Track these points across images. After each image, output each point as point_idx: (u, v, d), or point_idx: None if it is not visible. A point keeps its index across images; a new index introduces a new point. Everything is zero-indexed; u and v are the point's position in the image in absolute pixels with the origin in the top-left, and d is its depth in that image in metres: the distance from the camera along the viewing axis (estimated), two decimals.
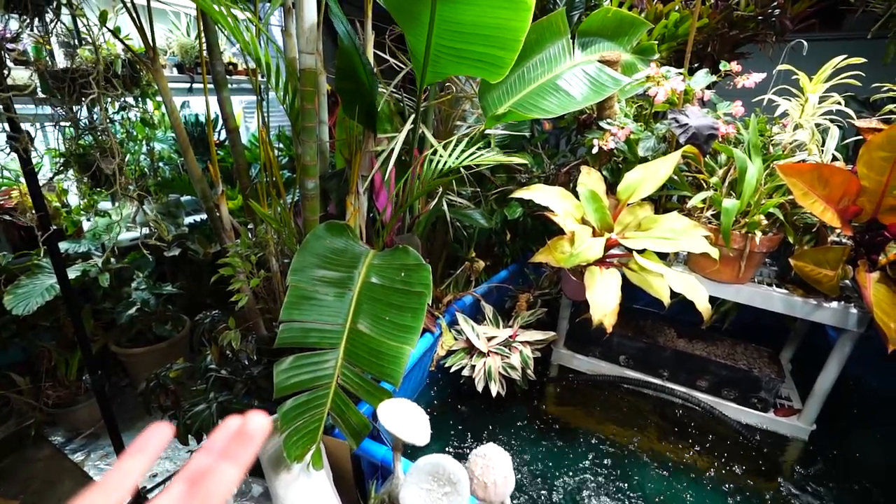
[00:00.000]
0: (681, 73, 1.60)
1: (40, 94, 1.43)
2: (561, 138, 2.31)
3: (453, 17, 1.18)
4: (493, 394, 1.64)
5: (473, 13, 1.17)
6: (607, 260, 1.54)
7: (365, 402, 1.04)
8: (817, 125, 1.53)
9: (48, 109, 1.46)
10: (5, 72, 1.13)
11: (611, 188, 1.69)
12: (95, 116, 1.51)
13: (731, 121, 1.56)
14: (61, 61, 1.53)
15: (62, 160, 1.60)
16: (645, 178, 1.52)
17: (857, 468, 1.62)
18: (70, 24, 1.49)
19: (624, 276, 1.46)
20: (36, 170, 1.22)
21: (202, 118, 2.47)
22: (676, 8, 2.09)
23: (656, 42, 1.95)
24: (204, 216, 2.35)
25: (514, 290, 2.10)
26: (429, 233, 1.95)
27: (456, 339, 1.79)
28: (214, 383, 1.34)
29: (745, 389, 1.78)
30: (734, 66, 1.58)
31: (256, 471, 1.14)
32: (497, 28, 1.19)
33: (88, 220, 1.98)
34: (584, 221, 1.57)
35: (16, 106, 1.15)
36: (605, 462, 1.59)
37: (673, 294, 1.39)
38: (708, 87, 1.63)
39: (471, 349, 1.74)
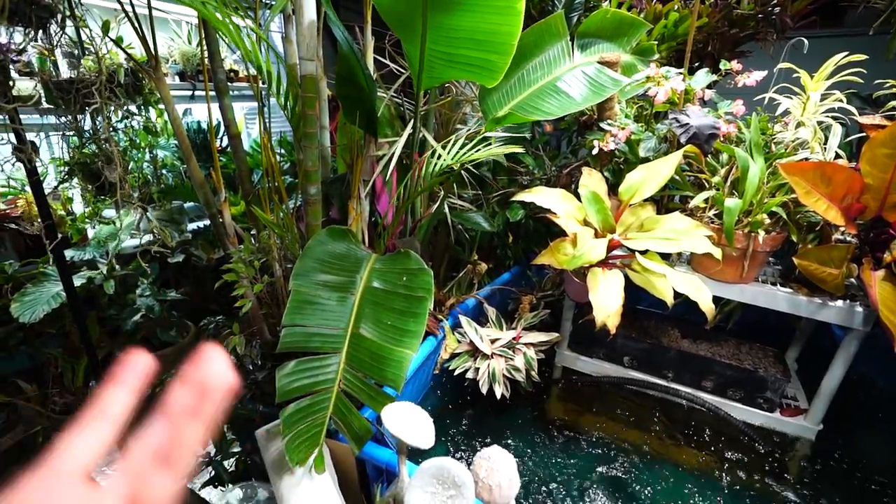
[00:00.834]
0: (681, 73, 1.60)
1: (45, 105, 1.45)
2: (562, 140, 2.31)
3: (445, 22, 1.19)
4: (498, 396, 1.63)
5: (465, 19, 1.18)
6: (610, 261, 1.54)
7: (367, 406, 1.04)
8: (819, 123, 1.52)
9: (52, 119, 1.48)
10: (10, 83, 1.15)
11: (612, 189, 1.68)
12: (99, 125, 1.53)
13: (733, 120, 1.55)
14: (65, 71, 1.55)
15: (66, 169, 1.62)
16: (646, 179, 1.52)
17: (865, 467, 1.61)
18: (73, 34, 1.51)
19: (627, 277, 1.46)
20: (41, 179, 1.24)
21: (204, 125, 2.49)
22: (676, 7, 2.09)
23: (656, 42, 1.95)
24: (207, 222, 2.37)
25: (516, 292, 2.10)
26: (431, 236, 1.96)
27: (459, 341, 1.79)
28: None
29: (750, 389, 1.77)
30: (735, 65, 1.58)
31: (262, 475, 1.14)
32: (488, 33, 1.20)
33: (93, 227, 2.00)
34: (586, 223, 1.57)
35: (20, 116, 1.16)
36: (610, 464, 1.58)
37: (676, 294, 1.38)
38: (708, 87, 1.62)
39: (474, 352, 1.74)
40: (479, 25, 1.18)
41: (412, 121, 1.51)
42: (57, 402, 1.80)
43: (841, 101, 1.50)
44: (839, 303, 1.49)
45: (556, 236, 1.59)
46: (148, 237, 2.08)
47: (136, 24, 1.26)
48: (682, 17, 2.06)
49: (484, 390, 1.65)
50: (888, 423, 1.84)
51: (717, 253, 1.40)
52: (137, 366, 0.27)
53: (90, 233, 1.99)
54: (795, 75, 1.56)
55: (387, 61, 1.77)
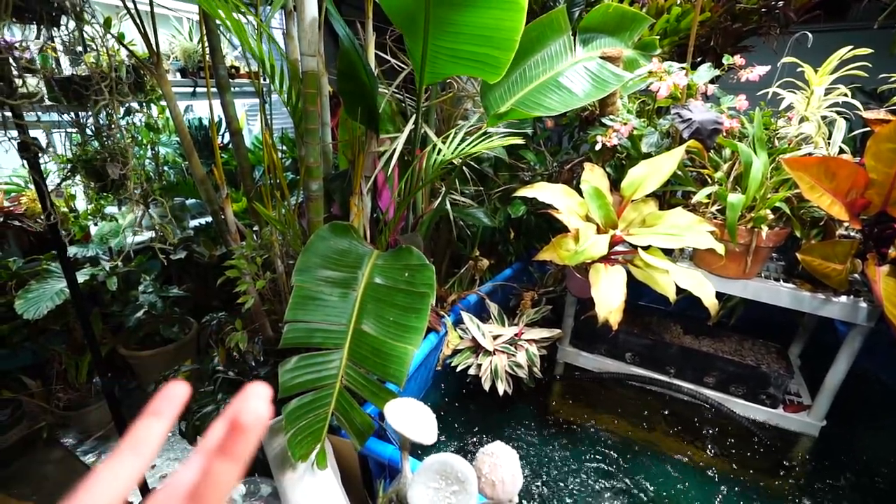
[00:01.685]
0: (683, 68, 1.59)
1: (47, 102, 1.45)
2: (564, 136, 2.30)
3: (449, 17, 1.18)
4: (501, 392, 1.63)
5: (469, 14, 1.17)
6: (612, 257, 1.54)
7: (370, 402, 1.04)
8: (823, 118, 1.51)
9: (55, 116, 1.48)
10: (19, 81, 1.14)
11: (614, 185, 1.68)
12: (101, 122, 1.53)
13: (736, 115, 1.54)
14: (67, 68, 1.55)
15: (69, 166, 1.62)
16: (649, 174, 1.51)
17: (869, 463, 1.61)
18: (76, 31, 1.50)
19: (629, 273, 1.45)
20: (45, 175, 1.24)
21: (206, 122, 2.49)
22: (678, 2, 2.07)
23: (658, 37, 1.94)
24: (209, 219, 2.37)
25: (518, 288, 2.10)
26: (432, 232, 1.95)
27: (462, 337, 1.79)
28: (222, 385, 1.35)
29: (753, 386, 1.76)
30: (737, 60, 1.57)
31: (265, 471, 1.15)
32: (491, 28, 1.19)
33: (96, 224, 2.00)
34: (588, 219, 1.56)
35: (23, 113, 1.16)
36: (613, 459, 1.58)
37: (679, 290, 1.38)
38: (711, 82, 1.61)
39: (477, 348, 1.74)
40: (482, 21, 1.18)
41: (414, 117, 1.51)
42: (61, 399, 1.82)
43: (845, 95, 1.49)
44: (843, 298, 1.48)
45: (558, 232, 1.59)
46: (150, 234, 2.08)
47: (138, 21, 1.26)
48: (684, 12, 2.04)
49: (486, 387, 1.65)
50: (892, 419, 1.84)
51: (720, 248, 1.39)
52: (174, 396, 0.27)
53: (93, 230, 1.99)
54: (799, 70, 1.55)
55: (388, 57, 1.77)
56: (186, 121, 2.38)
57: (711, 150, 1.55)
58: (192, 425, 1.25)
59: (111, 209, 2.06)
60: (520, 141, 1.43)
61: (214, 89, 1.45)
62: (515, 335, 1.79)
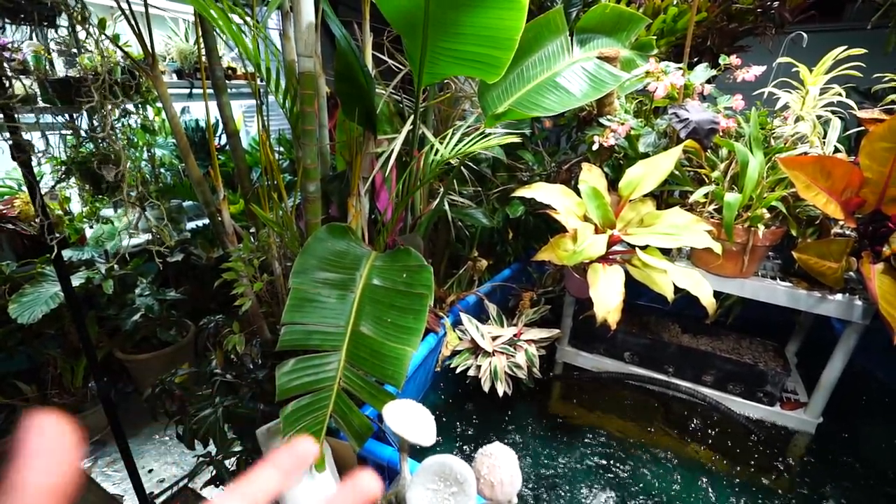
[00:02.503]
0: (680, 68, 1.59)
1: (41, 104, 1.44)
2: (561, 136, 2.31)
3: (449, 18, 1.18)
4: (500, 394, 1.63)
5: (468, 14, 1.17)
6: (610, 257, 1.54)
7: (368, 404, 1.04)
8: (819, 117, 1.52)
9: (49, 118, 1.47)
10: (14, 82, 1.13)
11: (612, 185, 1.68)
12: (96, 124, 1.52)
13: (732, 115, 1.55)
14: (61, 70, 1.54)
15: (64, 168, 1.61)
16: (646, 174, 1.52)
17: (865, 460, 1.61)
18: (69, 31, 1.50)
19: (627, 273, 1.46)
20: (38, 178, 1.23)
21: (202, 123, 2.48)
22: (675, 2, 2.08)
23: (655, 37, 1.95)
24: (206, 221, 2.36)
25: (517, 288, 2.10)
26: (431, 233, 1.95)
27: (460, 338, 1.79)
28: (220, 388, 1.34)
29: (750, 384, 1.77)
30: (734, 60, 1.57)
31: None
32: (491, 28, 1.19)
33: (91, 227, 1.99)
34: (586, 219, 1.57)
35: (16, 115, 1.15)
36: (612, 458, 1.58)
37: (677, 289, 1.38)
38: (708, 82, 1.62)
39: (476, 349, 1.74)
40: (482, 21, 1.17)
41: (411, 117, 1.50)
42: (56, 403, 1.80)
43: (840, 95, 1.50)
44: (838, 296, 1.49)
45: (556, 232, 1.59)
46: (146, 236, 2.07)
47: (133, 22, 1.25)
48: (681, 12, 2.05)
49: (486, 388, 1.65)
50: (888, 416, 1.85)
51: (717, 248, 1.40)
52: (302, 454, 0.25)
53: (88, 233, 1.98)
54: (794, 70, 1.56)
55: (385, 58, 1.77)
56: (183, 122, 2.37)
57: (708, 150, 1.55)
58: (189, 429, 1.24)
59: (107, 212, 2.05)
60: (517, 140, 1.43)
61: (211, 91, 1.44)
62: (514, 336, 1.79)
